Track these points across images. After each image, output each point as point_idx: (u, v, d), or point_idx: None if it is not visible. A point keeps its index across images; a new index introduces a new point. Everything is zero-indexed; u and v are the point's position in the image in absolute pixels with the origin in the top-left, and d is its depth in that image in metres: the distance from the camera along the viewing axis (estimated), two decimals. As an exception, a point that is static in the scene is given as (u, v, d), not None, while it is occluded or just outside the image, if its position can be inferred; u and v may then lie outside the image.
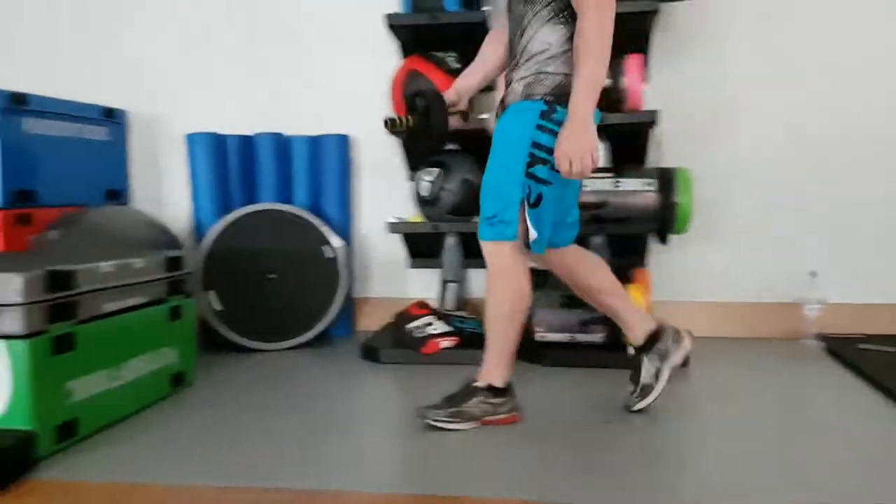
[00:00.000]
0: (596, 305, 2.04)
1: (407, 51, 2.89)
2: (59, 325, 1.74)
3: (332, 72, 3.16)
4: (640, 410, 1.96)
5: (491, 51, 2.01)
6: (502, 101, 1.88)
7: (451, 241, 2.85)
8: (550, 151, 1.74)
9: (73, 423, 1.78)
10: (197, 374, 2.37)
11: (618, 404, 2.02)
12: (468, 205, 2.71)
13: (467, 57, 2.75)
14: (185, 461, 1.70)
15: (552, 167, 1.75)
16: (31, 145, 2.66)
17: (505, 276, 1.83)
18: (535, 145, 1.76)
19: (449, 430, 1.84)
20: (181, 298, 2.27)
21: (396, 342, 2.60)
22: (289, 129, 3.12)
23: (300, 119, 3.13)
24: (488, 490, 1.51)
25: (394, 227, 2.84)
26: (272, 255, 2.86)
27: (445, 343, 2.53)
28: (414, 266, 3.11)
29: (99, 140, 3.03)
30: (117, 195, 3.11)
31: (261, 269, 2.86)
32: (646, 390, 1.96)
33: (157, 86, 3.25)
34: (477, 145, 2.85)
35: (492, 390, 1.89)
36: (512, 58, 1.86)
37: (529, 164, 1.76)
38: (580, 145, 1.69)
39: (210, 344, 2.82)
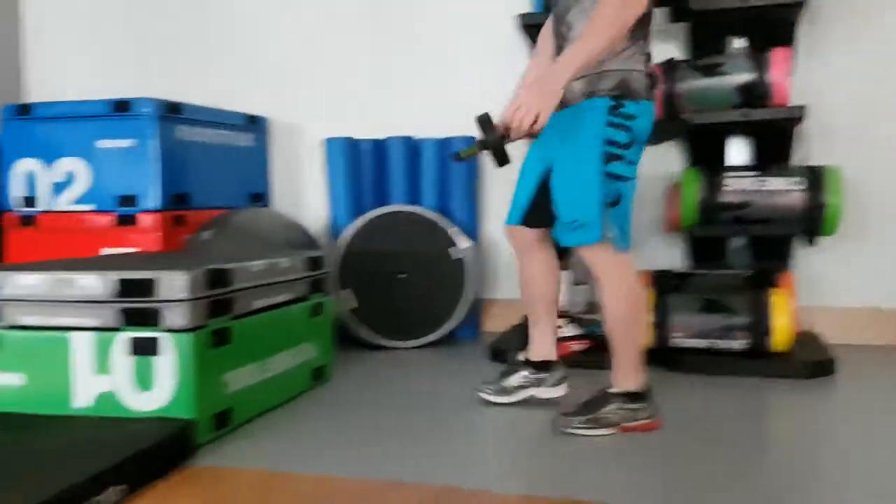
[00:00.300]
0: (531, 309, 2.05)
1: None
2: (217, 320, 1.85)
3: (461, 74, 3.20)
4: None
5: (547, 44, 1.96)
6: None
7: (581, 243, 2.81)
8: (625, 146, 1.73)
9: (227, 412, 1.89)
10: (334, 369, 2.46)
11: (760, 415, 1.93)
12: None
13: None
14: (327, 452, 1.77)
15: (628, 162, 1.74)
16: (185, 151, 2.85)
17: (610, 278, 1.80)
18: (609, 142, 1.73)
19: (585, 436, 1.82)
20: (321, 296, 2.36)
21: (525, 344, 2.59)
22: (419, 132, 3.18)
23: (430, 122, 3.19)
24: (626, 499, 1.48)
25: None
26: (402, 255, 2.93)
27: (576, 346, 2.50)
28: (543, 268, 3.09)
29: (244, 146, 3.20)
30: (260, 198, 3.28)
31: (391, 270, 2.93)
32: (506, 392, 2.04)
33: (296, 93, 3.40)
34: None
35: (628, 396, 1.86)
36: (560, 53, 1.80)
37: (606, 162, 1.73)
38: (536, 99, 1.66)
39: (343, 340, 2.92)
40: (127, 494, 1.48)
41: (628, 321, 1.83)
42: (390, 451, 1.78)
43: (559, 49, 1.85)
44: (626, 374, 1.86)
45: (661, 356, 2.48)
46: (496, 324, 3.17)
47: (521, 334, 2.68)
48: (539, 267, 2.01)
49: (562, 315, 2.60)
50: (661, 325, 2.47)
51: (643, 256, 3.04)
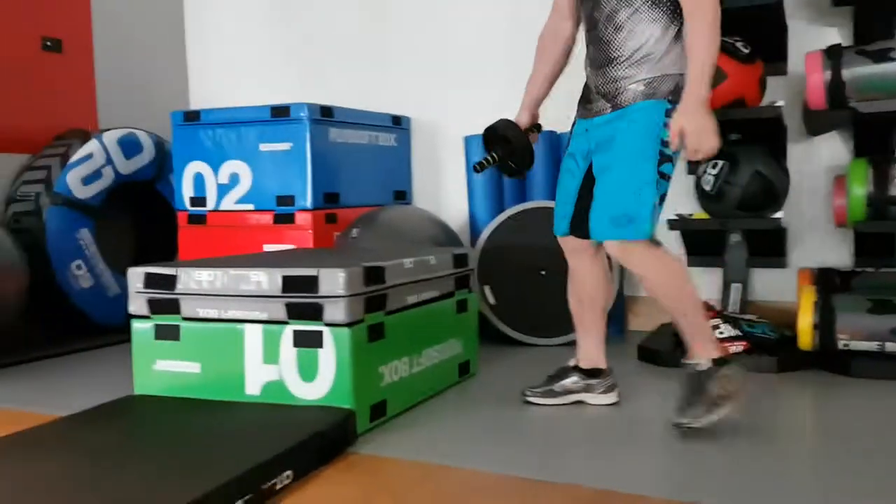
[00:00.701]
0: (581, 316, 2.09)
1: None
2: (372, 315, 1.92)
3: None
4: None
5: (549, 55, 2.04)
6: (588, 99, 1.90)
7: (735, 239, 2.69)
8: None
9: (382, 404, 1.96)
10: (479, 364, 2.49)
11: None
12: (759, 199, 2.53)
13: (754, 43, 2.59)
14: (477, 447, 1.80)
15: (675, 163, 1.80)
16: (335, 152, 2.97)
17: (652, 269, 1.83)
18: (664, 143, 1.75)
19: (712, 423, 1.77)
20: (466, 292, 2.39)
21: (679, 344, 2.51)
22: (561, 126, 3.15)
23: (572, 116, 3.14)
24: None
25: (676, 224, 2.74)
26: (543, 252, 2.91)
27: (734, 348, 2.39)
28: (692, 264, 2.98)
29: (388, 146, 3.30)
30: (403, 196, 3.37)
31: (532, 266, 2.92)
32: (553, 394, 2.07)
33: (436, 93, 3.46)
34: (767, 134, 2.67)
35: (717, 363, 1.82)
36: (601, 55, 1.83)
37: (660, 163, 1.76)
38: (704, 123, 1.68)
39: (483, 337, 2.94)
40: (294, 479, 1.57)
41: (682, 297, 1.84)
42: (539, 448, 1.79)
43: (600, 47, 1.84)
44: (705, 344, 1.84)
45: (826, 360, 2.33)
46: (641, 322, 3.09)
47: (669, 333, 2.61)
48: (590, 275, 2.03)
49: (717, 315, 2.50)
50: (825, 327, 2.32)
51: (805, 253, 2.87)
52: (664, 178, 1.78)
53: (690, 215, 2.79)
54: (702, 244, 2.89)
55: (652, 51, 1.76)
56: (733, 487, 1.53)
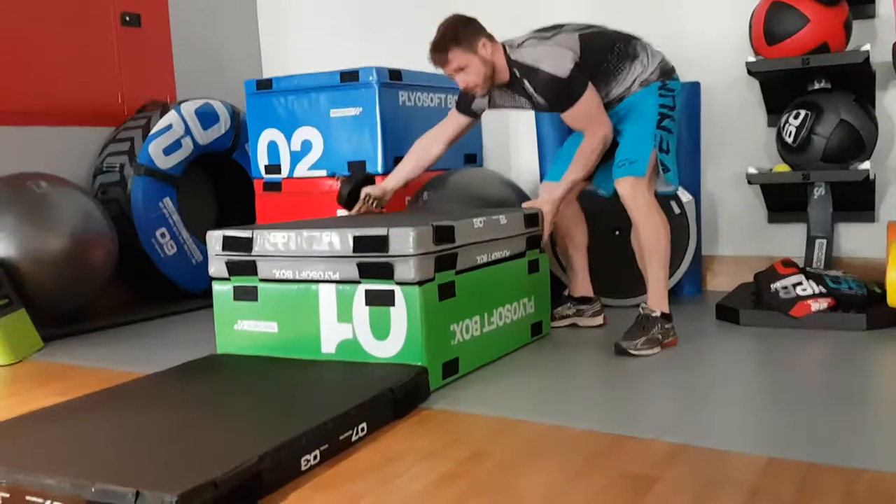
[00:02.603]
0: (569, 256, 2.54)
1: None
2: (443, 273, 1.94)
3: (682, 14, 3.02)
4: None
5: (423, 150, 2.53)
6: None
7: (819, 193, 2.58)
8: (672, 108, 2.23)
9: (454, 361, 1.97)
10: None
11: None
12: (846, 150, 2.41)
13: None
14: (552, 403, 1.80)
15: (675, 120, 2.24)
16: (405, 116, 2.98)
17: (650, 209, 2.18)
18: (662, 106, 2.22)
19: (644, 355, 2.08)
20: (537, 253, 2.38)
21: (758, 303, 2.43)
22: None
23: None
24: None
25: (755, 178, 2.65)
26: (617, 212, 2.85)
27: (818, 305, 2.30)
28: (773, 221, 2.88)
29: (457, 108, 3.27)
30: (473, 159, 3.35)
31: (608, 226, 2.87)
32: (554, 318, 2.51)
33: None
34: (854, 81, 2.53)
35: (665, 317, 2.17)
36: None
37: (661, 122, 2.21)
38: (548, 208, 2.34)
39: (557, 297, 2.92)
40: (369, 432, 1.61)
41: (662, 251, 2.18)
42: (617, 404, 1.78)
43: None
44: (662, 298, 2.19)
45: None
46: (718, 282, 3.01)
47: (747, 293, 2.53)
48: (573, 219, 2.48)
49: (799, 271, 2.41)
50: None
51: (896, 206, 2.72)
52: (667, 131, 2.21)
53: (770, 169, 2.69)
54: (783, 198, 2.78)
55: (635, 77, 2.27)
56: (826, 445, 1.48)
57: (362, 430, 1.59)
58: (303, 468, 1.42)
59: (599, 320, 2.50)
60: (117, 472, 1.31)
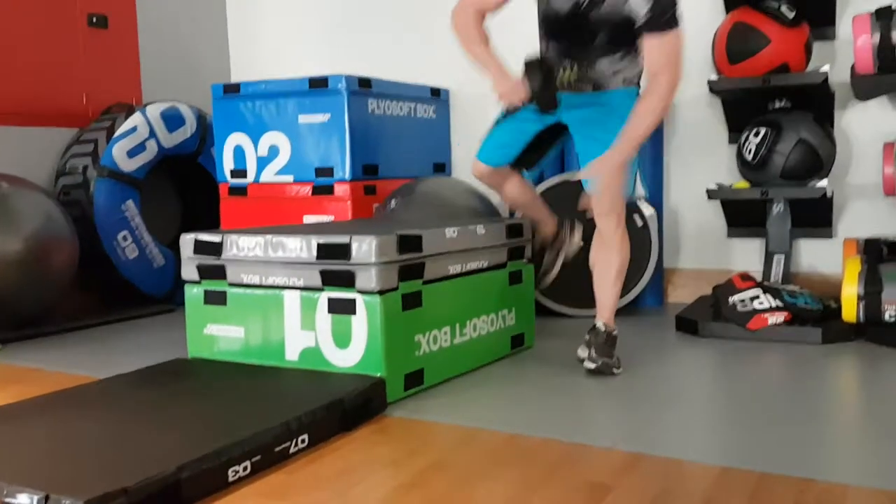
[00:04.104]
0: (528, 213, 2.45)
1: (730, 2, 2.71)
2: (408, 283, 1.93)
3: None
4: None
5: (476, 31, 2.35)
6: (579, 79, 2.11)
7: (778, 209, 2.64)
8: None
9: (419, 372, 1.96)
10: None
11: None
12: (805, 168, 2.47)
13: (800, 6, 2.51)
14: (520, 413, 1.80)
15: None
16: (374, 124, 2.98)
17: (625, 232, 2.12)
18: None
19: (598, 368, 2.03)
20: (521, 264, 2.35)
21: (717, 315, 2.48)
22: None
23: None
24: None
25: (715, 194, 2.70)
26: (582, 223, 2.88)
27: (774, 319, 2.35)
28: (732, 235, 2.93)
29: (427, 118, 3.30)
30: (442, 168, 3.37)
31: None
32: (546, 274, 2.46)
33: (474, 65, 3.43)
34: (813, 101, 2.60)
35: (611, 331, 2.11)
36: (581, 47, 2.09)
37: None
38: (613, 167, 2.05)
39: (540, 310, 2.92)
40: (311, 444, 1.58)
41: (624, 269, 2.14)
42: (580, 414, 1.79)
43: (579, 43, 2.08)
44: (612, 314, 2.13)
45: (873, 332, 2.28)
46: (679, 294, 3.06)
47: (707, 305, 2.58)
48: (518, 187, 2.37)
49: (756, 285, 2.46)
50: (871, 298, 2.26)
51: (852, 223, 2.79)
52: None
53: (731, 185, 2.74)
54: (743, 214, 2.84)
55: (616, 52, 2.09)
56: (778, 456, 1.51)
57: (302, 441, 1.57)
58: (230, 479, 1.40)
59: (579, 235, 2.48)
60: (33, 476, 1.33)
